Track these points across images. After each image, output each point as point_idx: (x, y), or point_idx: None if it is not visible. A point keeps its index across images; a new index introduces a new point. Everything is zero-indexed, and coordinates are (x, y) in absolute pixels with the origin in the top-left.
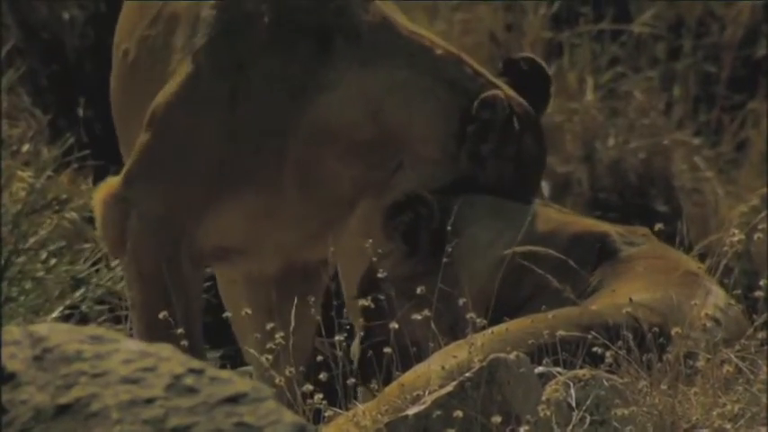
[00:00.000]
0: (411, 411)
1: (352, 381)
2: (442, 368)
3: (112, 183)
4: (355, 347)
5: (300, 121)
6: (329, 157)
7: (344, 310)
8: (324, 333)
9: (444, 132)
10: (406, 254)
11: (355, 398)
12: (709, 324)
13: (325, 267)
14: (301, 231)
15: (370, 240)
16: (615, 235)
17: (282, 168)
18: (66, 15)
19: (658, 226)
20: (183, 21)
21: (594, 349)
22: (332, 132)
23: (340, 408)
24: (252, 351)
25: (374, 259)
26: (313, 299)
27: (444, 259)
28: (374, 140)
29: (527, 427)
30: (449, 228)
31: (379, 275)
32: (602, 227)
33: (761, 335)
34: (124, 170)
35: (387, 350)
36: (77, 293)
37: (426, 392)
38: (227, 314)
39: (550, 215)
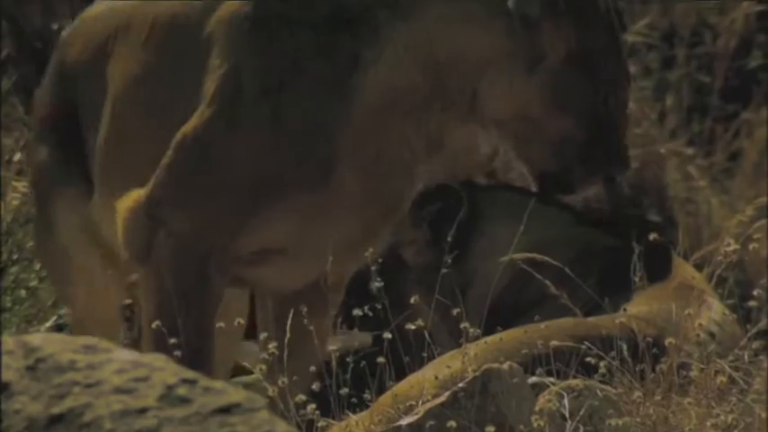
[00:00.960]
0: (404, 422)
1: (345, 391)
2: (436, 378)
3: (138, 196)
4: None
5: (351, 108)
6: (390, 128)
7: (339, 320)
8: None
9: (498, 34)
10: (430, 243)
11: (348, 408)
12: (703, 336)
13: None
14: (352, 228)
15: (371, 249)
16: (624, 247)
17: (334, 165)
18: (55, 25)
19: (652, 236)
20: (186, 46)
21: (588, 359)
22: (390, 99)
23: (333, 418)
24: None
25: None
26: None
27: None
28: (436, 86)
29: None
30: (472, 223)
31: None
32: (612, 237)
33: (755, 345)
34: (150, 188)
35: (380, 360)
36: None
37: (420, 402)
38: (221, 324)
39: (566, 220)
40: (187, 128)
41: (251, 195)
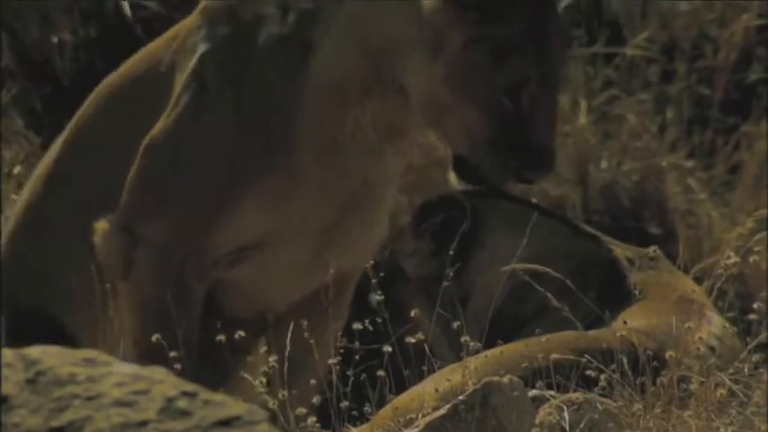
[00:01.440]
0: None
1: (345, 404)
2: (436, 391)
3: (112, 217)
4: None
5: (306, 92)
6: (342, 113)
7: (339, 334)
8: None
9: (408, 20)
10: (432, 254)
11: (349, 421)
12: (703, 349)
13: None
14: (326, 217)
15: (372, 262)
16: (623, 260)
17: (294, 150)
18: (54, 39)
19: (652, 248)
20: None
21: (588, 372)
22: (337, 83)
23: (333, 431)
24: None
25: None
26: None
27: (456, 265)
28: (375, 70)
29: None
30: (473, 234)
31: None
32: (612, 251)
33: (755, 358)
34: (121, 203)
35: (380, 373)
36: None
37: (420, 415)
38: (221, 338)
39: (566, 232)
40: (152, 133)
41: (220, 190)
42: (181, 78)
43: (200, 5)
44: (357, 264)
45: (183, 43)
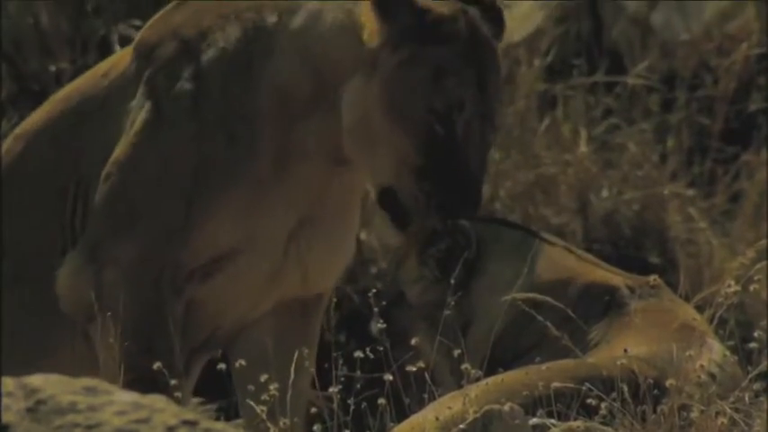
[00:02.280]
0: None
1: None
2: (437, 419)
3: (72, 256)
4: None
5: (259, 96)
6: (293, 127)
7: (340, 362)
8: (318, 385)
9: (345, 43)
10: (435, 280)
11: None
12: (704, 377)
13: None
14: (286, 214)
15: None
16: (624, 288)
17: (254, 155)
18: (53, 68)
19: (653, 277)
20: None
21: (589, 401)
22: (283, 98)
23: None
24: (250, 402)
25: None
26: (307, 350)
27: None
28: (317, 88)
29: None
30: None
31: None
32: (613, 279)
33: (756, 386)
34: (86, 235)
35: (381, 401)
36: None
37: None
38: (222, 366)
39: (566, 263)
40: (114, 158)
41: (187, 202)
42: (125, 108)
43: (137, 38)
44: (323, 282)
45: (123, 74)
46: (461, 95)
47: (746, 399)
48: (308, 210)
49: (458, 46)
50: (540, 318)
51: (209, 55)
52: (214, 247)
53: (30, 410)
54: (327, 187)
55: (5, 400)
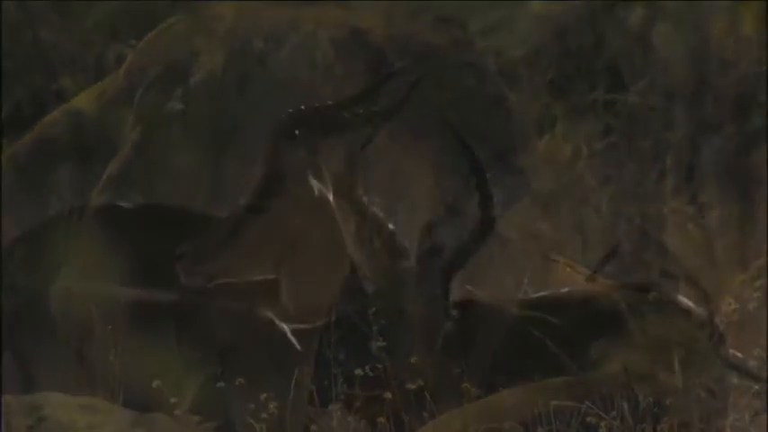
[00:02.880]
0: None
1: None
2: None
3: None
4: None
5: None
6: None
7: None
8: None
9: None
10: (438, 297)
11: None
12: (703, 395)
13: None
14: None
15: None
16: (624, 305)
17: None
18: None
19: (653, 293)
20: None
21: (589, 419)
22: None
23: None
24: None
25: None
26: (306, 368)
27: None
28: None
29: None
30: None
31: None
32: (613, 295)
33: (756, 404)
34: None
35: (381, 420)
36: None
37: None
38: (221, 384)
39: (568, 277)
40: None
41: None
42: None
43: (128, 60)
44: None
45: (116, 93)
46: None
47: (746, 417)
48: None
49: None
50: (539, 334)
51: (198, 77)
52: None
53: (30, 428)
54: None
55: (6, 418)
